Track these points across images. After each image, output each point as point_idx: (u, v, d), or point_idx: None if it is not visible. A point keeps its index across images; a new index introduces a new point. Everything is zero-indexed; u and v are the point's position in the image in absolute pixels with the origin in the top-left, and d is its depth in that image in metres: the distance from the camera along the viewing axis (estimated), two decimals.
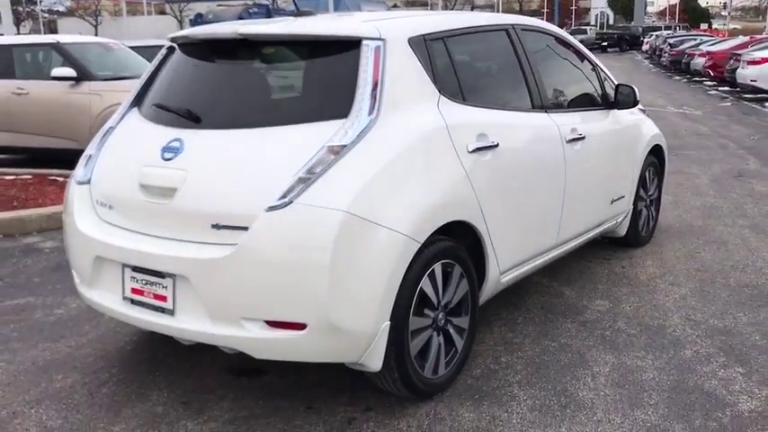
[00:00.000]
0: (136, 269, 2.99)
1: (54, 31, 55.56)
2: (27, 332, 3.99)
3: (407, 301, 2.91)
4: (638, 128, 4.98)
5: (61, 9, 75.80)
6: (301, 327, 2.71)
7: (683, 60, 25.44)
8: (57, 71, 8.35)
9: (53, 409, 3.15)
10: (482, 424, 2.96)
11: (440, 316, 3.14)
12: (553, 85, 4.18)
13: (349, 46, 3.00)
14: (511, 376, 3.36)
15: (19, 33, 39.68)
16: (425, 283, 3.00)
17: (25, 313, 4.25)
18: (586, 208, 4.34)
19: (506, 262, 3.56)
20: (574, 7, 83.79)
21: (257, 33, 3.13)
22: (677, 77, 25.42)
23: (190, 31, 3.44)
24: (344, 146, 2.77)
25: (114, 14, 66.33)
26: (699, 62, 22.90)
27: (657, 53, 34.96)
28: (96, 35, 37.30)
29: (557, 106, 4.09)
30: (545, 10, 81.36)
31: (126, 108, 3.48)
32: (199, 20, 24.89)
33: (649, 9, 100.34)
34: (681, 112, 14.64)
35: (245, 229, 2.71)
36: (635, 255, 5.13)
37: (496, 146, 3.37)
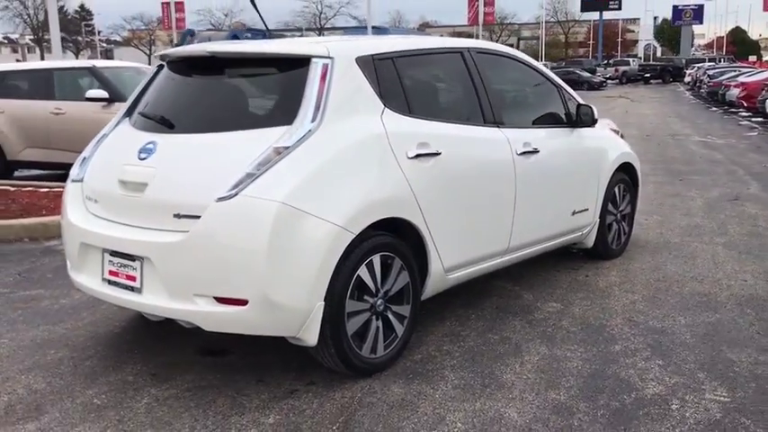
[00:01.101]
0: (113, 253, 3.46)
1: (110, 59, 57.78)
2: (32, 317, 4.49)
3: (344, 285, 3.31)
4: (603, 146, 5.30)
5: (118, 39, 78.73)
6: (243, 303, 3.13)
7: (720, 92, 25.39)
8: (90, 93, 9.03)
9: (41, 376, 3.61)
10: (408, 397, 3.32)
11: (378, 302, 3.52)
12: (508, 103, 4.57)
13: (300, 63, 3.46)
14: (447, 361, 3.72)
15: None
16: (363, 272, 3.40)
17: (34, 302, 4.77)
18: (543, 218, 4.68)
19: (451, 261, 3.92)
20: (620, 39, 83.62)
21: (223, 51, 3.62)
22: (714, 108, 25.35)
23: (172, 50, 3.95)
24: (287, 147, 3.21)
25: (168, 44, 68.74)
26: (733, 93, 22.88)
27: (698, 85, 34.83)
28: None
29: (511, 122, 4.46)
30: (591, 42, 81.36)
31: (120, 117, 3.98)
32: (189, 36, 25.79)
33: (699, 41, 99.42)
34: (703, 140, 14.75)
35: (199, 217, 3.16)
36: (602, 266, 5.43)
37: (438, 154, 3.76)
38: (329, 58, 3.48)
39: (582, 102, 5.10)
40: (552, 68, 48.20)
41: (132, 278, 3.38)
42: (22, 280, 5.29)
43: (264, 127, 3.32)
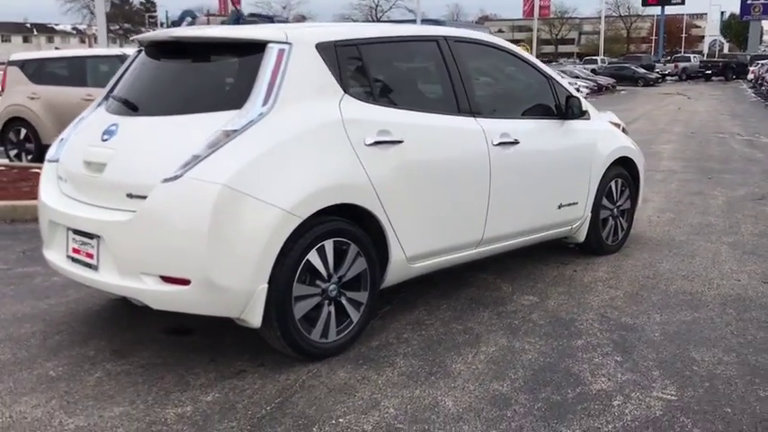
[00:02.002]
0: (75, 231, 3.57)
1: None
2: (22, 293, 4.66)
3: (291, 269, 3.34)
4: (597, 139, 5.19)
5: None
6: (186, 282, 3.20)
7: None
8: None
9: (8, 348, 3.76)
10: (350, 382, 3.34)
11: (331, 288, 3.54)
12: (488, 93, 4.52)
13: (257, 48, 3.50)
14: (402, 349, 3.72)
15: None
16: (313, 256, 3.43)
17: (28, 279, 4.95)
18: (524, 210, 4.62)
19: (414, 250, 3.91)
20: (684, 35, 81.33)
21: (185, 36, 3.69)
22: None
23: (143, 35, 4.04)
24: (235, 131, 3.25)
25: None
26: None
27: (759, 82, 33.63)
28: None
29: (490, 113, 4.41)
30: (653, 37, 79.43)
31: (99, 101, 4.10)
32: (189, 18, 25.72)
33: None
34: (748, 139, 14.26)
35: (147, 197, 3.24)
36: (595, 261, 5.33)
37: (400, 142, 3.76)
38: (287, 43, 3.51)
39: (573, 93, 5.01)
40: (609, 64, 47.22)
41: (90, 256, 3.49)
42: (23, 258, 5.49)
43: (219, 110, 3.38)
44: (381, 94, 3.86)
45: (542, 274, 5.02)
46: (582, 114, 4.91)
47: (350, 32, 3.82)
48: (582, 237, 5.28)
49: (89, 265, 3.50)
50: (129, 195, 3.33)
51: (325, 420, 2.99)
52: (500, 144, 4.34)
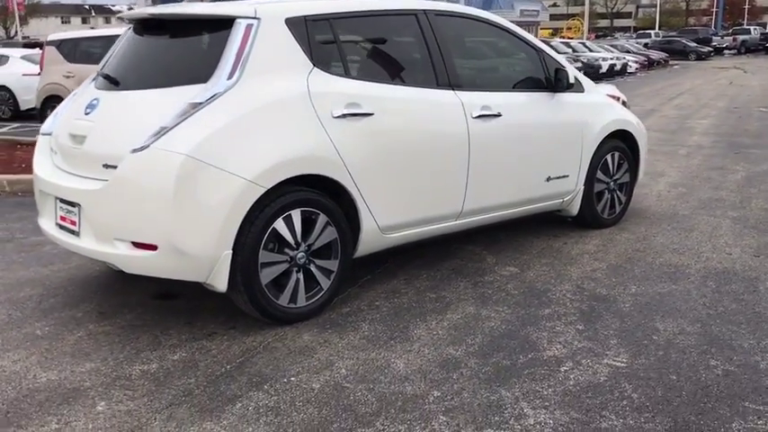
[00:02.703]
0: (61, 201, 3.79)
1: None
2: (30, 259, 4.95)
3: (257, 237, 3.49)
4: (590, 112, 5.18)
5: None
6: (154, 248, 3.38)
7: None
8: None
9: (5, 309, 4.02)
10: (312, 345, 3.49)
11: (300, 255, 3.68)
12: (470, 66, 4.57)
13: (227, 24, 3.63)
14: (371, 315, 3.84)
15: None
16: (280, 225, 3.57)
17: (38, 247, 5.23)
18: (508, 183, 4.67)
19: (387, 220, 4.02)
20: (747, 6, 78.36)
21: (160, 13, 3.84)
22: None
23: (127, 13, 4.21)
24: (200, 103, 3.40)
25: None
26: None
27: None
28: None
29: (471, 85, 4.46)
30: (714, 9, 76.79)
31: (93, 76, 4.30)
32: None
33: None
34: None
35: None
36: (588, 234, 5.34)
37: (371, 115, 3.85)
38: (255, 18, 3.63)
39: (563, 66, 5.00)
40: (661, 38, 45.93)
41: (74, 223, 3.71)
42: (36, 229, 5.77)
43: (189, 84, 3.52)
44: (353, 67, 3.95)
45: (531, 247, 5.06)
46: (571, 87, 4.90)
47: (322, 7, 3.91)
48: (575, 210, 5.30)
49: (73, 232, 3.72)
50: (105, 165, 3.52)
51: (278, 379, 3.14)
52: (480, 117, 4.39)
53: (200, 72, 3.56)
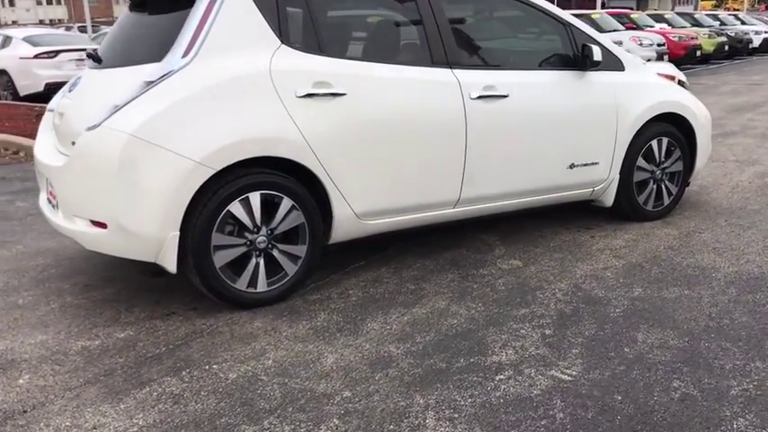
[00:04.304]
0: (48, 178, 3.92)
1: None
2: (53, 232, 5.17)
3: (208, 219, 3.43)
4: (630, 92, 4.68)
5: None
6: (105, 226, 3.41)
7: None
8: None
9: (8, 277, 4.24)
10: (257, 332, 3.40)
11: (259, 239, 3.59)
12: (474, 43, 4.25)
13: (192, 1, 3.56)
14: (336, 304, 3.70)
15: None
16: (236, 207, 3.49)
17: None
18: (517, 169, 4.33)
19: (365, 206, 3.84)
20: None
21: None
22: None
23: None
24: (151, 82, 3.38)
25: None
26: None
27: None
28: None
29: (472, 64, 4.15)
30: None
31: None
32: None
33: None
34: None
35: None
36: (624, 228, 4.87)
37: (343, 95, 3.67)
38: None
39: (595, 41, 4.54)
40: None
41: (54, 197, 3.82)
42: None
43: (149, 62, 3.51)
44: (329, 44, 3.77)
45: (550, 239, 4.68)
46: (597, 64, 4.44)
47: None
48: (609, 201, 4.84)
49: (54, 207, 3.83)
50: (72, 143, 3.59)
51: (201, 366, 3.08)
52: (481, 98, 4.08)
53: (160, 50, 3.52)
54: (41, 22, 54.43)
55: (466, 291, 3.84)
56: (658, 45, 17.37)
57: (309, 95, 3.60)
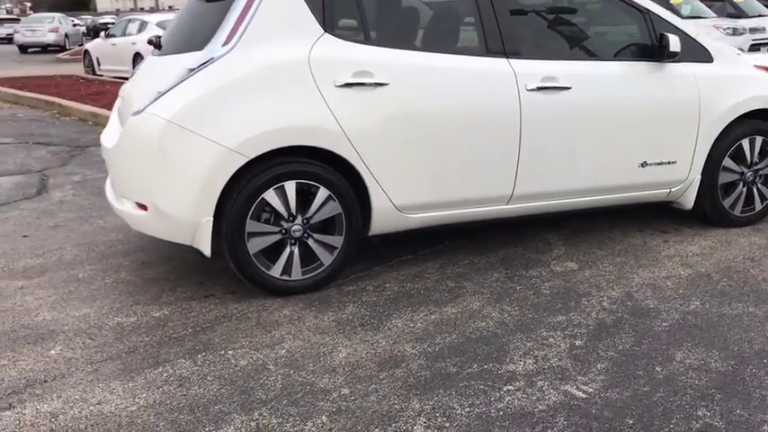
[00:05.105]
0: (105, 159, 4.12)
1: None
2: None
3: (243, 206, 3.48)
4: (715, 85, 4.28)
5: None
6: (146, 208, 3.54)
7: None
8: None
9: (81, 250, 4.49)
10: (283, 320, 3.42)
11: (295, 228, 3.60)
12: (537, 31, 4.04)
13: None
14: (368, 298, 3.65)
15: None
16: (270, 195, 3.51)
17: None
18: (579, 165, 4.08)
19: (406, 199, 3.75)
20: None
21: None
22: None
23: None
24: (191, 69, 3.45)
25: None
26: None
27: None
28: None
29: (533, 53, 3.94)
30: None
31: None
32: None
33: None
34: None
35: None
36: (705, 234, 4.50)
37: (385, 85, 3.60)
38: None
39: (678, 29, 4.19)
40: None
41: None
42: None
43: (195, 51, 3.58)
44: (374, 32, 3.70)
45: (621, 241, 4.40)
46: (674, 55, 4.09)
47: None
48: (689, 203, 4.48)
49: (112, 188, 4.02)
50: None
51: (216, 350, 3.13)
52: (538, 89, 3.87)
53: (205, 38, 3.58)
54: None
55: (506, 292, 3.67)
56: None
57: (349, 85, 3.54)
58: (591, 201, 4.24)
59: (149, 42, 4.17)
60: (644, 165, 4.23)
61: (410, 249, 4.29)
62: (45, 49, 28.16)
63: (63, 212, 5.35)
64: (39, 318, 3.50)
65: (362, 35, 3.66)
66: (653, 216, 4.79)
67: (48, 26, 28.23)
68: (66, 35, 28.83)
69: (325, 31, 3.58)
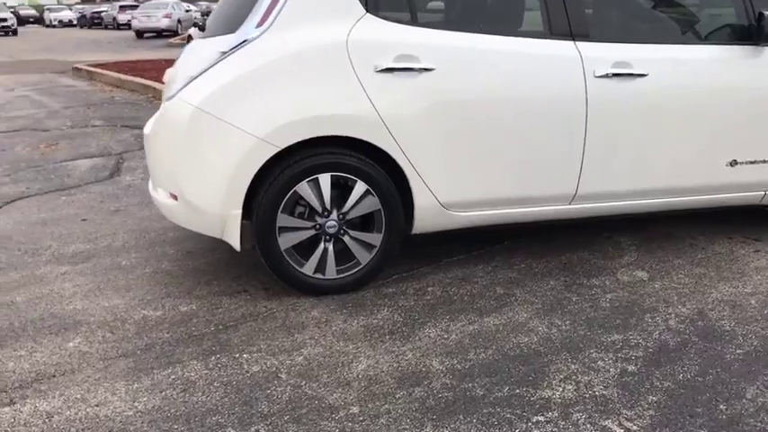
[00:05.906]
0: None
1: None
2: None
3: (273, 198, 3.27)
4: None
5: None
6: (176, 198, 3.39)
7: None
8: None
9: (130, 237, 4.43)
10: (310, 322, 3.19)
11: (329, 224, 3.36)
12: (611, 10, 3.61)
13: None
14: (406, 302, 3.37)
15: None
16: (303, 188, 3.29)
17: None
18: (654, 163, 3.63)
19: (453, 196, 3.44)
20: None
21: None
22: None
23: None
24: (223, 53, 3.26)
25: None
26: None
27: None
28: None
29: (604, 35, 3.52)
30: None
31: None
32: None
33: None
34: None
35: None
36: None
37: (431, 69, 3.29)
38: None
39: None
40: None
41: None
42: None
43: (228, 33, 3.39)
44: (422, 12, 3.39)
45: (703, 249, 3.91)
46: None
47: None
48: None
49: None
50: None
51: (231, 352, 2.94)
52: (608, 76, 3.45)
53: (241, 19, 3.38)
54: None
55: (560, 303, 3.30)
56: None
57: (390, 70, 3.25)
58: (668, 203, 3.78)
59: (194, 25, 4.02)
60: (733, 163, 3.72)
61: (464, 249, 3.97)
62: (160, 34, 29.26)
63: (127, 197, 5.34)
64: (69, 307, 3.43)
65: (408, 15, 3.36)
66: (748, 221, 4.25)
67: (162, 12, 29.27)
68: (179, 20, 29.79)
69: (368, 11, 3.30)
